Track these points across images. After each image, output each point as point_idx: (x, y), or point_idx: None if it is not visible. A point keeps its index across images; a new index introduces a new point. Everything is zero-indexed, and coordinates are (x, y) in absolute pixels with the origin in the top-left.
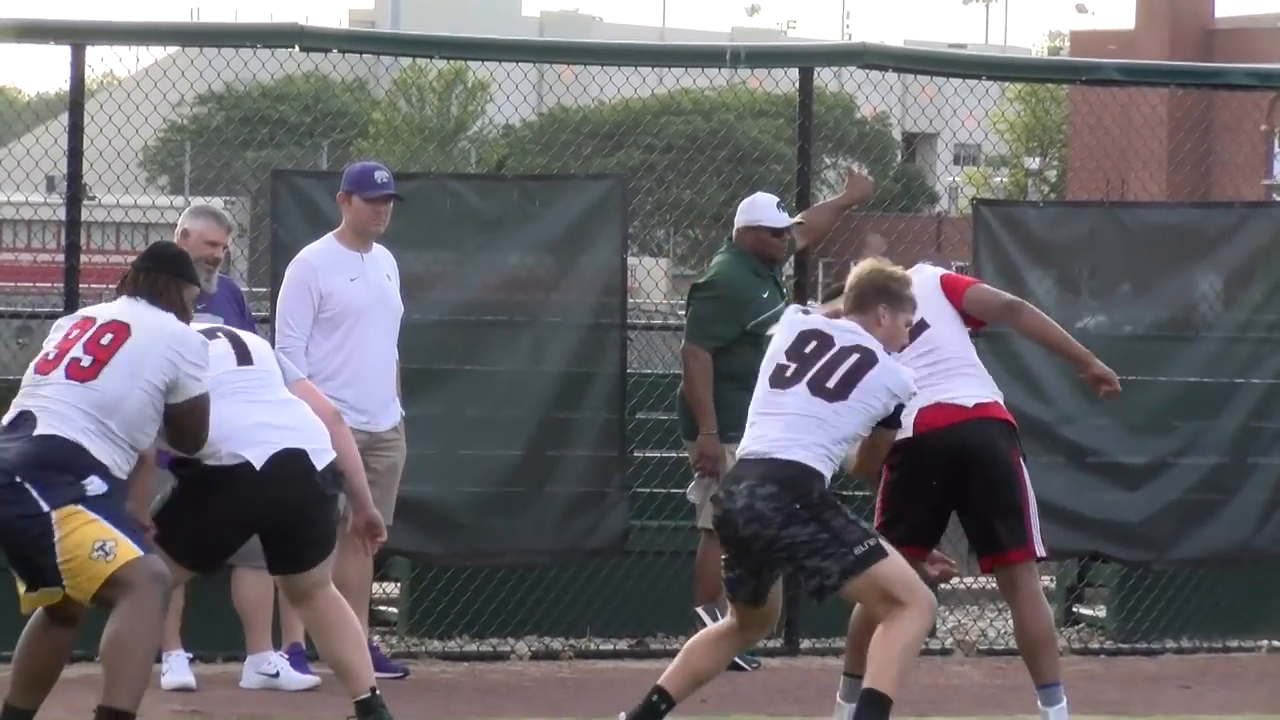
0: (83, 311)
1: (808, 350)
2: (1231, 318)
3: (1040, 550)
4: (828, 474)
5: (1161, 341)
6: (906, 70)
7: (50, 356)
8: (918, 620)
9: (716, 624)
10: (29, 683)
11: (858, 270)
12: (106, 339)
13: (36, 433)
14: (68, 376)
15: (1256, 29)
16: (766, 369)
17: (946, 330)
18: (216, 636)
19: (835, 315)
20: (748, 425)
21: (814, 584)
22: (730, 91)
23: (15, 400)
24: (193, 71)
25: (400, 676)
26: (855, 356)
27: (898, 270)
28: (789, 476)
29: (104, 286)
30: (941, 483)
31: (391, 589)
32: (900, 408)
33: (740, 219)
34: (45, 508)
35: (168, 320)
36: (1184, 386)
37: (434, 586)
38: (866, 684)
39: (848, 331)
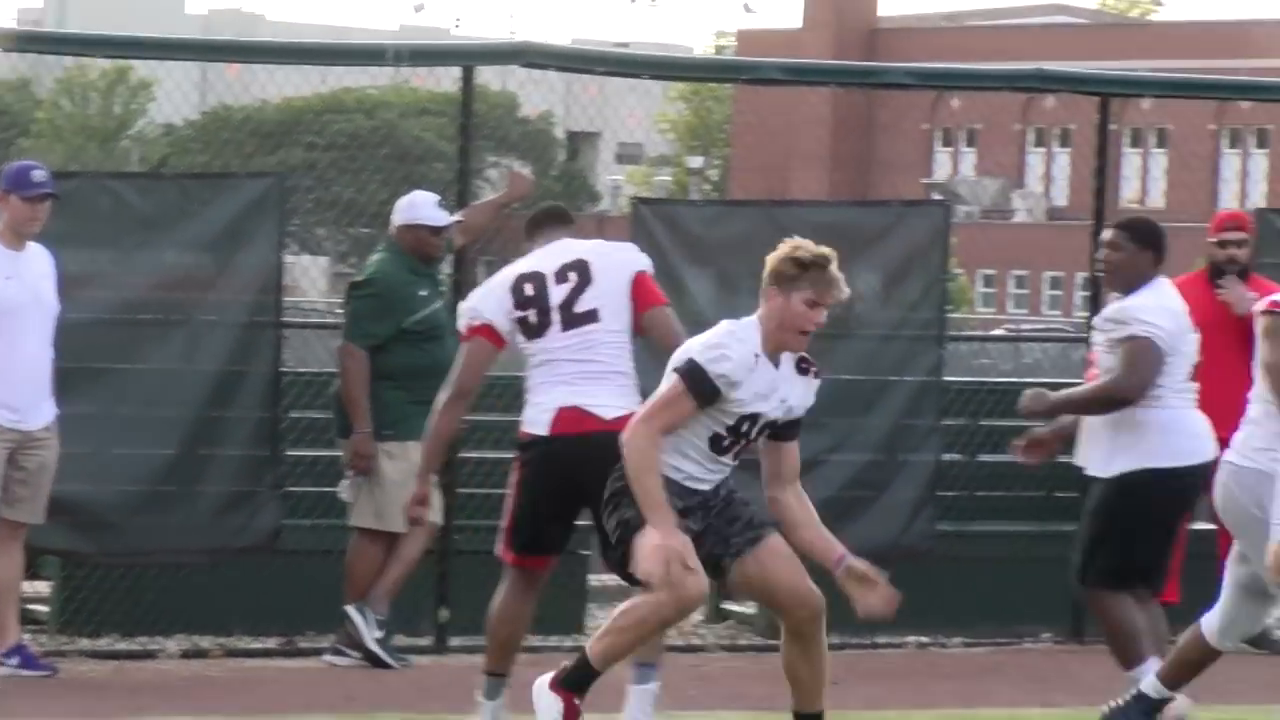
0: None
1: None
2: (887, 315)
3: None
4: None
5: (817, 338)
6: (568, 69)
7: None
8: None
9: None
10: None
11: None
12: None
13: None
14: None
15: (921, 29)
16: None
17: (616, 328)
18: None
19: None
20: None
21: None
22: (394, 90)
23: None
24: None
25: (49, 675)
26: None
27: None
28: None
29: None
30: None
31: (42, 587)
32: None
33: (398, 217)
34: None
35: None
36: (839, 384)
37: (85, 585)
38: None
39: None
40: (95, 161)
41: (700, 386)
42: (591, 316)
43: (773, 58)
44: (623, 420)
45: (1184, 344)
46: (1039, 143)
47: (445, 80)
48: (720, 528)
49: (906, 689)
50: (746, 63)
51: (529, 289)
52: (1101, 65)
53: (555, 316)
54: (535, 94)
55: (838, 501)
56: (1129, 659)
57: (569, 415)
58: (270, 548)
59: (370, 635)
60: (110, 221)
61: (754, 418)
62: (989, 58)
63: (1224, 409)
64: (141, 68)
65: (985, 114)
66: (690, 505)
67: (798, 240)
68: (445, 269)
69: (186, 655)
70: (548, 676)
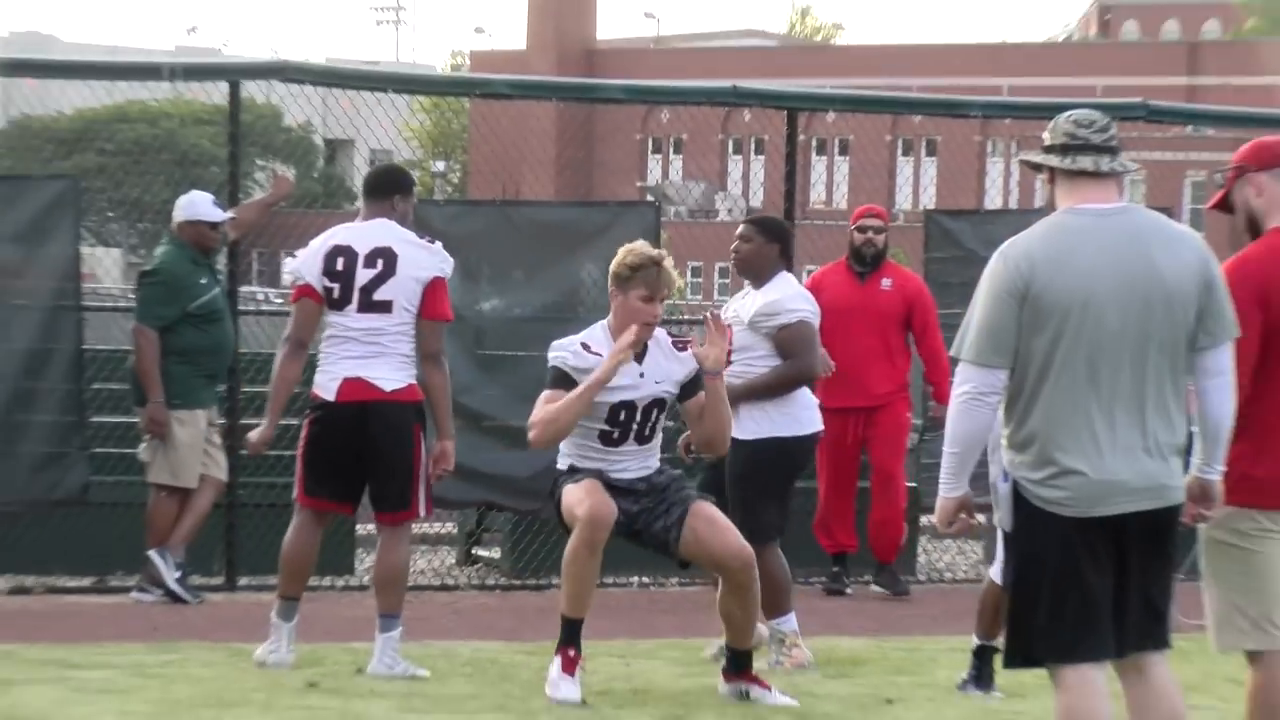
0: None
1: None
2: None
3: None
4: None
5: (547, 322)
6: (324, 84)
7: None
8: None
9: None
10: None
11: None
12: None
13: None
14: None
15: (634, 49)
16: None
17: (405, 320)
18: None
19: None
20: None
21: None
22: (173, 102)
23: None
24: None
25: None
26: None
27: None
28: None
29: None
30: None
31: None
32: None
33: (179, 214)
34: None
35: None
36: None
37: None
38: None
39: None
40: None
41: (559, 381)
42: (386, 307)
43: (502, 75)
44: (400, 392)
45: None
46: (737, 151)
47: (217, 94)
48: (657, 513)
49: (630, 622)
50: (479, 79)
51: (340, 263)
52: (790, 83)
53: (355, 297)
54: (295, 106)
55: None
56: (777, 609)
57: (353, 385)
58: (81, 500)
59: (170, 575)
60: None
61: (630, 405)
62: (692, 76)
63: (858, 383)
64: None
65: (690, 125)
66: (622, 489)
67: (632, 245)
68: (221, 259)
69: (14, 592)
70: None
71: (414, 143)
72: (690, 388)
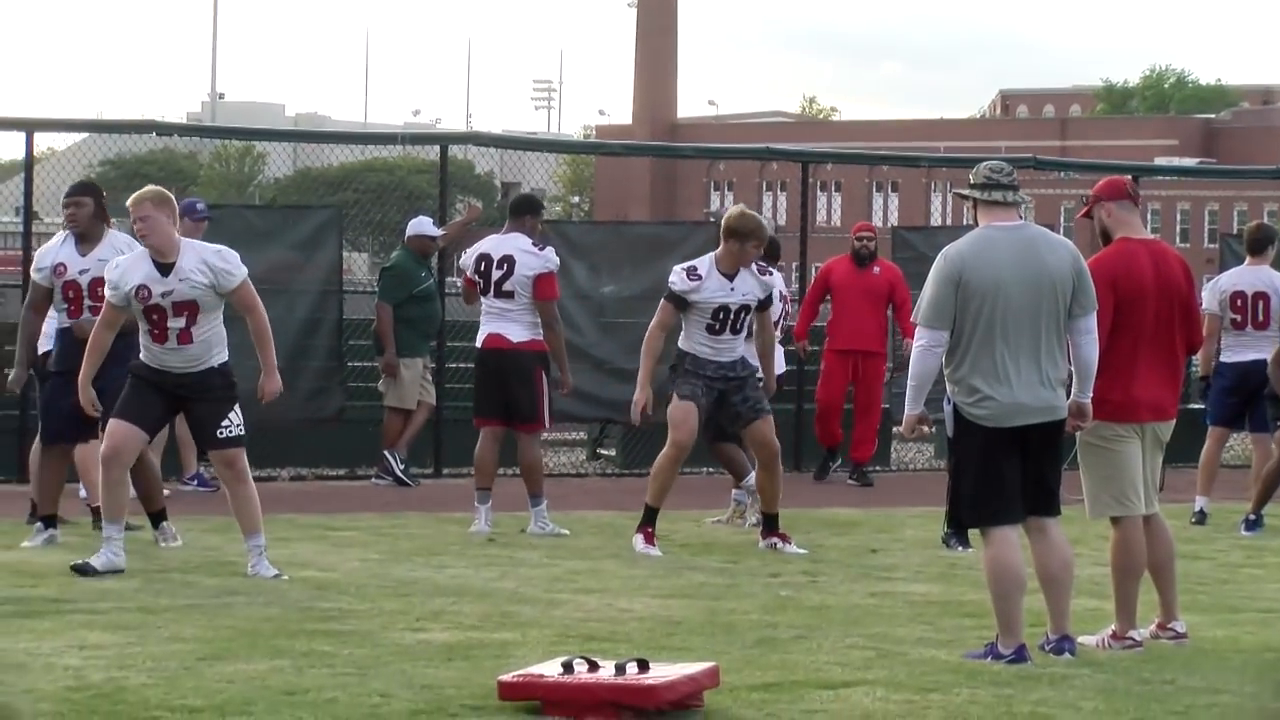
0: None
1: None
2: None
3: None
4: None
5: (644, 300)
6: (502, 146)
7: None
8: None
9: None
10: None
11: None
12: None
13: None
14: None
15: (701, 124)
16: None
17: (524, 303)
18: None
19: None
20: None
21: None
22: (402, 159)
23: None
24: (98, 146)
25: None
26: None
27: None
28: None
29: None
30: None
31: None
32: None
33: (410, 230)
34: None
35: None
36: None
37: None
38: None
39: None
40: (233, 199)
41: (671, 297)
42: (508, 294)
43: (616, 140)
44: (523, 344)
45: None
46: (769, 188)
47: (431, 153)
48: (739, 398)
49: (703, 498)
50: (603, 143)
51: (482, 265)
52: (803, 145)
53: (491, 287)
54: (482, 160)
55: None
56: (740, 474)
57: (493, 338)
58: (338, 418)
59: (398, 467)
60: (242, 234)
61: (725, 308)
62: (738, 140)
63: (855, 333)
64: (259, 146)
65: (738, 172)
66: (709, 375)
67: (745, 210)
68: (434, 260)
69: (293, 479)
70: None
71: (559, 183)
72: (764, 303)
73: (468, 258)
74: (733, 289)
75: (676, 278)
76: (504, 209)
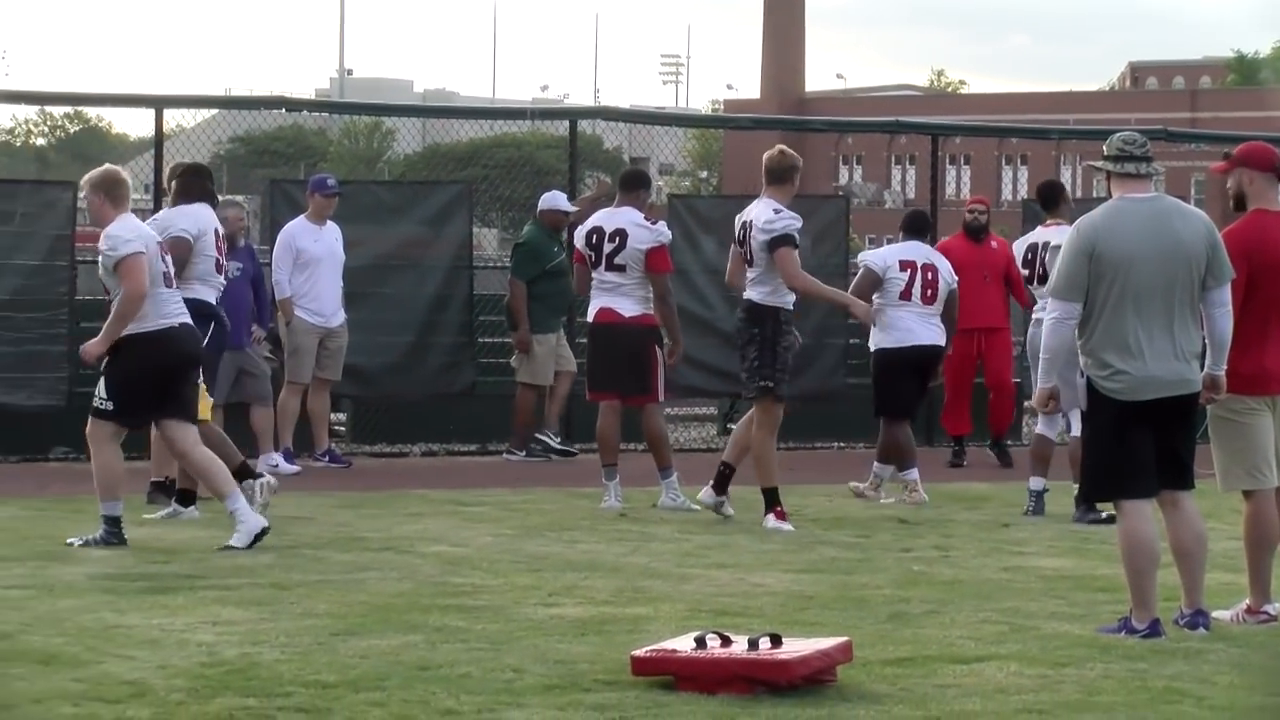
0: None
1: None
2: (811, 262)
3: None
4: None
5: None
6: (631, 121)
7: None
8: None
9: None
10: None
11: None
12: None
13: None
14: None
15: (830, 98)
16: None
17: (636, 277)
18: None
19: None
20: None
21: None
22: (530, 134)
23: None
24: (227, 123)
25: (347, 466)
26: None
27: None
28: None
29: None
30: None
31: (341, 415)
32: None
33: (543, 205)
34: None
35: None
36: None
37: (365, 413)
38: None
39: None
40: (363, 175)
41: (795, 243)
42: (620, 268)
43: (744, 114)
44: (635, 318)
45: None
46: (897, 162)
47: (560, 128)
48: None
49: (833, 473)
50: (733, 117)
51: (594, 239)
52: (931, 118)
53: (603, 261)
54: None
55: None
56: (905, 464)
57: (604, 312)
58: (469, 393)
59: (554, 442)
60: (371, 210)
61: None
62: (867, 113)
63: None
64: (387, 122)
65: (866, 146)
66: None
67: (780, 148)
68: (565, 235)
69: (424, 454)
70: (769, 520)
71: (687, 158)
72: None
73: (579, 233)
74: None
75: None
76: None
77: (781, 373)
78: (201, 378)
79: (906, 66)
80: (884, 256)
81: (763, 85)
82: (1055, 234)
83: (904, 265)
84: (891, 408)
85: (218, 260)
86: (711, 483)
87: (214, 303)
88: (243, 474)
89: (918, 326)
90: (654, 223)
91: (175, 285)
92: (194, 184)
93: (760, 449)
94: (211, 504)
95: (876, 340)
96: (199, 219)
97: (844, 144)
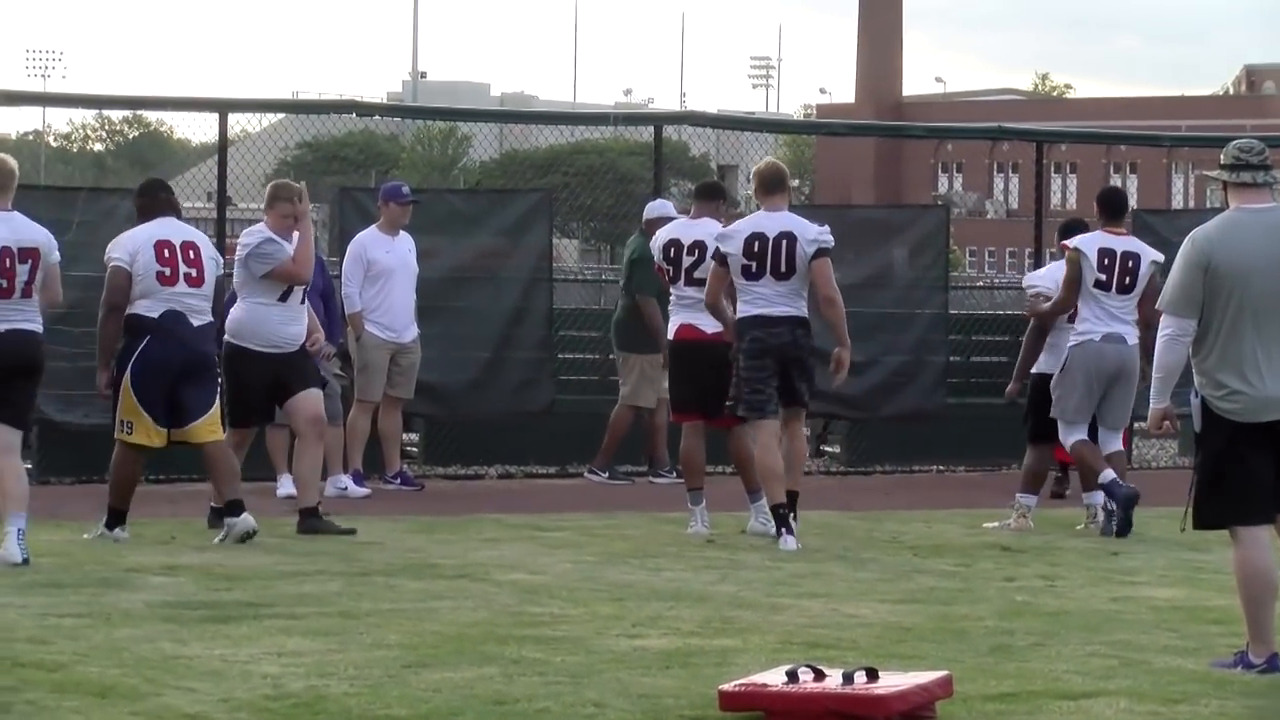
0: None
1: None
2: (912, 274)
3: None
4: None
5: (867, 288)
6: (719, 126)
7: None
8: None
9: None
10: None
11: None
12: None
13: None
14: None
15: (928, 102)
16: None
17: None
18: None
19: None
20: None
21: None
22: (612, 140)
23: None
24: (294, 127)
25: (419, 489)
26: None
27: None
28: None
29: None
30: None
31: (413, 436)
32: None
33: (648, 214)
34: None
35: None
36: (882, 314)
37: (438, 433)
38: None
39: None
40: (436, 183)
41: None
42: (700, 282)
43: (838, 119)
44: (720, 335)
45: None
46: (999, 170)
47: (645, 135)
48: (792, 379)
49: (932, 498)
50: (825, 123)
51: (671, 251)
52: (1036, 124)
53: (682, 275)
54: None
55: (887, 385)
56: (1029, 490)
57: (685, 329)
58: (549, 412)
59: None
60: (446, 219)
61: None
62: (968, 119)
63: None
64: (463, 127)
65: (966, 153)
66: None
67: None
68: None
69: (501, 477)
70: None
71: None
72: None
73: (655, 243)
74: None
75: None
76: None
77: (746, 384)
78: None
79: (1009, 69)
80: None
81: (858, 89)
82: (1122, 243)
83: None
84: (1047, 432)
85: (175, 271)
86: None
87: (155, 316)
88: (232, 510)
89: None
90: (823, 225)
91: (29, 294)
92: (148, 204)
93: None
94: (278, 526)
95: (1045, 363)
96: (134, 240)
97: (943, 151)
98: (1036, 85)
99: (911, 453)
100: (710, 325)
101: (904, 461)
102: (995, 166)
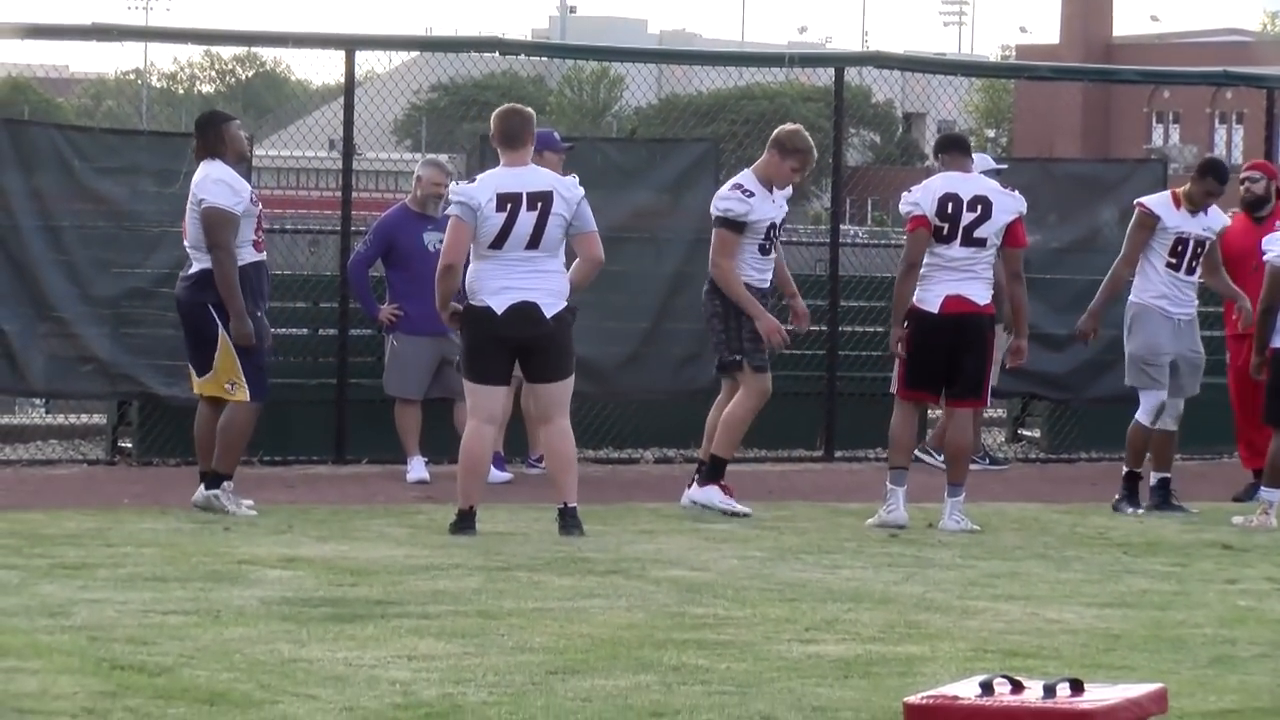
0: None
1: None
2: (1119, 238)
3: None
4: None
5: (1077, 253)
6: (906, 69)
7: None
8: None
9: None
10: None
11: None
12: None
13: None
14: None
15: (1142, 44)
16: None
17: (993, 253)
18: (445, 447)
19: None
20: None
21: None
22: (785, 84)
23: None
24: (427, 68)
25: None
26: None
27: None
28: None
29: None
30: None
31: None
32: None
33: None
34: None
35: None
36: (1090, 282)
37: (589, 413)
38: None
39: None
40: (588, 131)
41: (730, 225)
42: (982, 243)
43: (1040, 62)
44: (989, 308)
45: None
46: (1222, 121)
47: (822, 77)
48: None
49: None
50: (1026, 65)
51: (950, 207)
52: (1264, 70)
53: (960, 234)
54: (882, 86)
55: (1094, 362)
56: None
57: (954, 301)
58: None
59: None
60: (599, 172)
61: (774, 224)
62: (1187, 63)
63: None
64: (617, 68)
65: (1185, 101)
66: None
67: (800, 129)
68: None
69: (658, 461)
70: (693, 487)
71: (972, 114)
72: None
73: (925, 199)
74: (777, 206)
75: (726, 204)
76: (907, 147)
77: (751, 343)
78: (190, 357)
79: (1234, 7)
80: None
81: (1062, 28)
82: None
83: None
84: None
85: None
86: (696, 477)
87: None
88: (207, 478)
89: None
90: (1011, 190)
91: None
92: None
93: (734, 418)
94: (407, 516)
95: None
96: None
97: (1158, 98)
98: (1265, 25)
99: (1121, 439)
100: (980, 295)
101: (1113, 449)
102: (1218, 117)
